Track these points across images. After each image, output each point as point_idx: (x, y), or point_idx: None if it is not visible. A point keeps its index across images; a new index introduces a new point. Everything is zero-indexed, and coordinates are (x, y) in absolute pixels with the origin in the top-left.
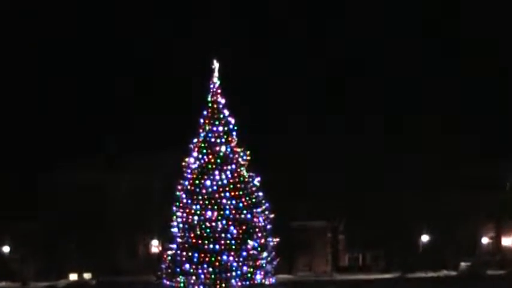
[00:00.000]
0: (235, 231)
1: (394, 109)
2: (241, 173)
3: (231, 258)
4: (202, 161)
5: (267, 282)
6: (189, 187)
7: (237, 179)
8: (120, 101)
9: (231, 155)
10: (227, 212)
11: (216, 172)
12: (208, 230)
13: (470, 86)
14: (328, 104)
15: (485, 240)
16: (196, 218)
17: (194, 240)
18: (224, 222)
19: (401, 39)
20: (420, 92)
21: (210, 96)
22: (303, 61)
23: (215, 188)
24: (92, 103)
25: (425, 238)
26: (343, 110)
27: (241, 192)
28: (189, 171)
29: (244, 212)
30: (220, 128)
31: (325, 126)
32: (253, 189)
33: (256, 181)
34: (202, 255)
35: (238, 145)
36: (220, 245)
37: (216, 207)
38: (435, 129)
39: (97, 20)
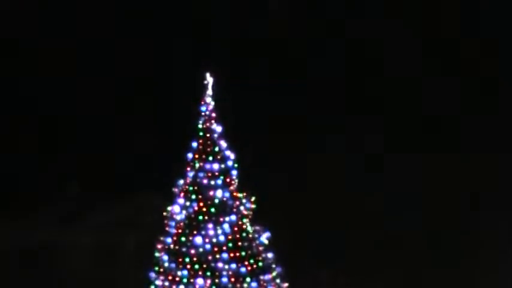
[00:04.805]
0: None
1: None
2: (244, 226)
3: None
4: (190, 210)
5: None
6: (172, 246)
7: (237, 235)
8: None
9: (229, 203)
10: (224, 279)
11: (210, 225)
12: None
13: None
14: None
15: None
16: (182, 287)
17: None
18: None
19: None
20: None
21: (201, 122)
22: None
23: (208, 247)
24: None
25: None
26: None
27: (243, 253)
28: (172, 224)
29: (248, 279)
30: (216, 166)
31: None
32: (260, 248)
33: (264, 238)
34: None
35: (239, 189)
36: None
37: (209, 273)
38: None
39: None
